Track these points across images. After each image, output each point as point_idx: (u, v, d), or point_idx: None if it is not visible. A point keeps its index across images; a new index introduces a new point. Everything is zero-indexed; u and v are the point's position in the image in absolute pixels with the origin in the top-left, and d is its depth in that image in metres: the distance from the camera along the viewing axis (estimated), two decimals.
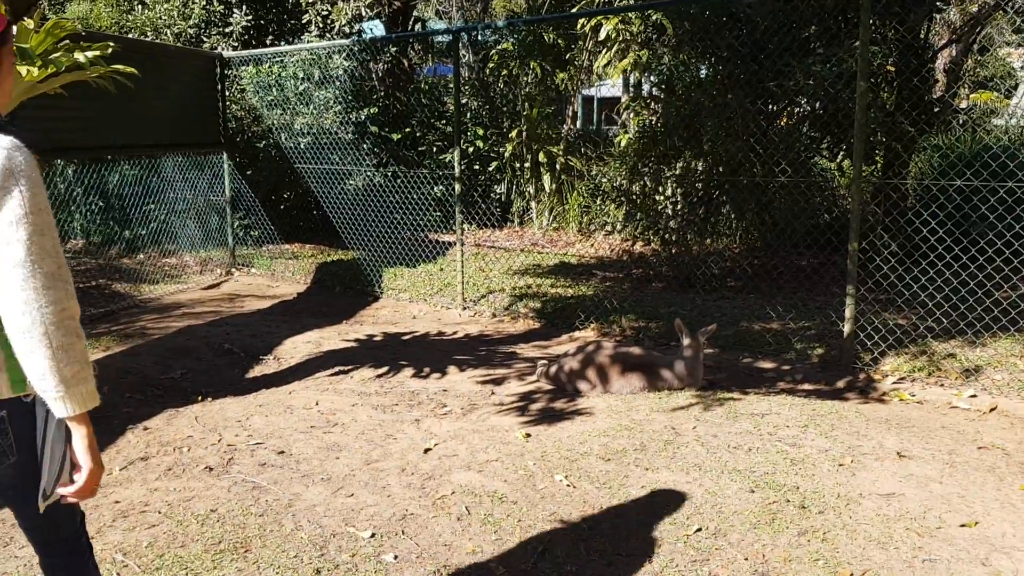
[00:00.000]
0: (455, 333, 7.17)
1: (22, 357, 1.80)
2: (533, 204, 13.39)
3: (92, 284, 8.99)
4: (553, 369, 5.50)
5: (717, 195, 9.15)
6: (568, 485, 3.85)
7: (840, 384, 5.66)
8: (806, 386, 5.64)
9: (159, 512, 3.62)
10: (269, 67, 11.68)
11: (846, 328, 5.89)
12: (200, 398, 5.26)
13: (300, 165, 10.55)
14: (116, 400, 5.16)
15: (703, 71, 8.90)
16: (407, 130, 13.19)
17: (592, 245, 11.20)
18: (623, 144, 9.87)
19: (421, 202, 13.16)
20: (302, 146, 11.26)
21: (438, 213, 13.24)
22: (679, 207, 9.27)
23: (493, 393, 5.39)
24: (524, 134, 12.93)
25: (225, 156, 9.84)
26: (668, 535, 3.37)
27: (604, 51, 10.12)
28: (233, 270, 10.03)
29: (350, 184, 12.16)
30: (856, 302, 5.84)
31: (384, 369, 5.86)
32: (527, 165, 13.13)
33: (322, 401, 5.14)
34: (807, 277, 8.25)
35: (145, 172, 11.22)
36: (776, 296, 7.98)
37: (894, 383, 5.61)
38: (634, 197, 9.34)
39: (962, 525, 3.41)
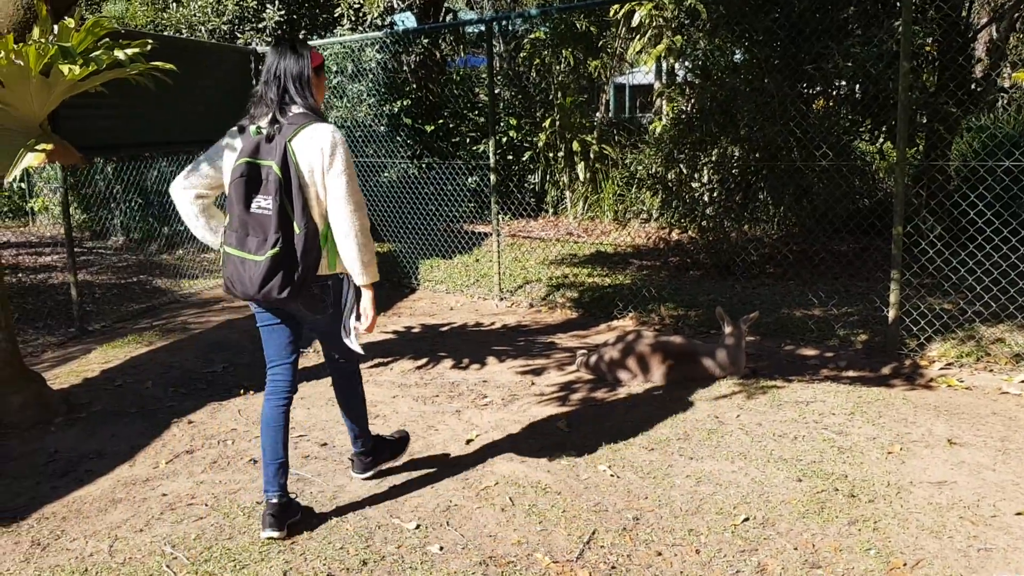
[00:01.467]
0: (492, 324, 7.16)
1: (341, 250, 3.10)
2: (567, 193, 13.34)
3: (134, 280, 9.10)
4: (593, 359, 5.47)
5: (754, 180, 9.04)
6: (612, 475, 3.83)
7: (886, 371, 5.56)
8: (850, 373, 5.55)
9: (206, 504, 3.65)
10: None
11: (891, 313, 5.78)
12: (242, 391, 5.30)
13: None
14: (160, 394, 5.22)
15: (738, 55, 8.78)
16: (440, 121, 13.18)
17: (628, 233, 11.13)
18: (658, 131, 9.78)
19: (456, 193, 13.18)
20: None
21: (472, 204, 13.26)
22: (716, 194, 9.18)
23: (533, 383, 5.36)
24: (557, 123, 12.87)
25: None
26: (715, 525, 3.34)
27: (637, 37, 10.04)
28: None
29: (384, 177, 12.20)
30: (901, 287, 5.74)
31: (423, 360, 5.86)
32: (560, 154, 13.09)
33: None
34: (849, 263, 8.13)
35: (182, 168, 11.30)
36: (817, 282, 7.87)
37: (941, 369, 5.50)
38: (670, 184, 9.25)
39: (1018, 513, 3.34)
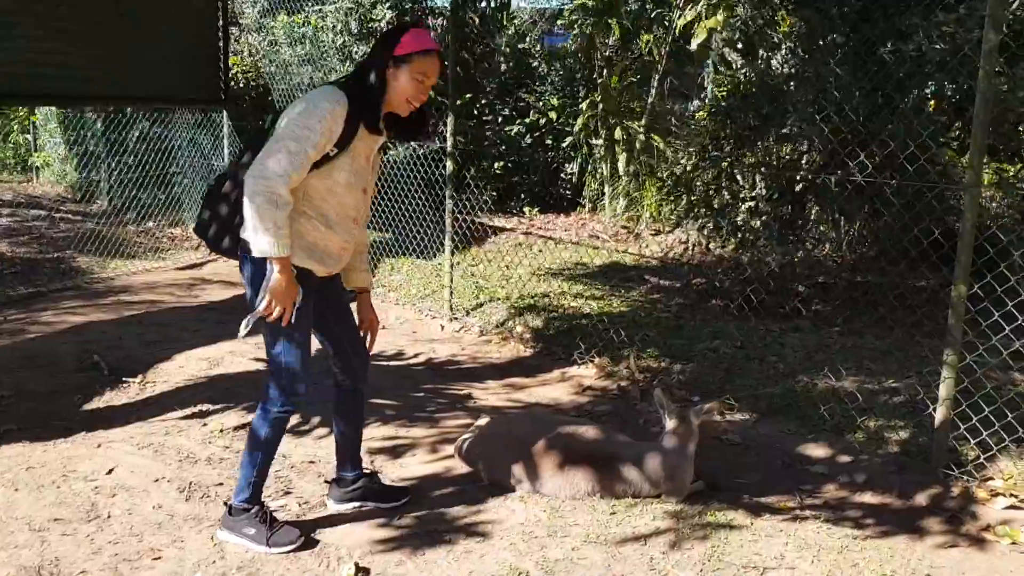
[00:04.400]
0: (416, 356, 5.47)
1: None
2: (607, 188, 11.44)
3: (56, 255, 7.77)
4: (467, 445, 3.72)
5: (804, 190, 7.02)
6: None
7: (920, 499, 3.66)
8: (866, 499, 3.67)
9: None
10: (305, 17, 10.23)
11: (939, 414, 3.84)
12: None
13: None
14: None
15: (794, 32, 6.78)
16: (467, 97, 11.43)
17: (659, 243, 9.19)
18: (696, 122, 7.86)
19: (476, 180, 11.48)
20: None
21: (494, 193, 11.53)
22: (756, 204, 7.20)
23: (378, 472, 3.66)
24: (599, 106, 10.99)
25: (225, 115, 8.40)
26: None
27: (690, 7, 8.12)
28: None
29: (389, 155, 10.60)
30: (959, 375, 3.78)
31: None
32: (601, 142, 11.21)
33: (122, 468, 3.58)
34: (924, 302, 6.04)
35: (169, 131, 10.01)
36: (873, 329, 5.89)
37: (1007, 508, 3.55)
38: (696, 186, 7.32)
39: None
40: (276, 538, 2.98)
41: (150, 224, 9.49)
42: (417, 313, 6.54)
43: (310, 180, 2.76)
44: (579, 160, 11.77)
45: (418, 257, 7.90)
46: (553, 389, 5.01)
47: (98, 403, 4.36)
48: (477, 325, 6.15)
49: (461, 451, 3.72)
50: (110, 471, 3.55)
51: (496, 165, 11.52)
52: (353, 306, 3.22)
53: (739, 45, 6.97)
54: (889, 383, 4.91)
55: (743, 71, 7.27)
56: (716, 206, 7.19)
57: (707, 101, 8.91)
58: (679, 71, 10.98)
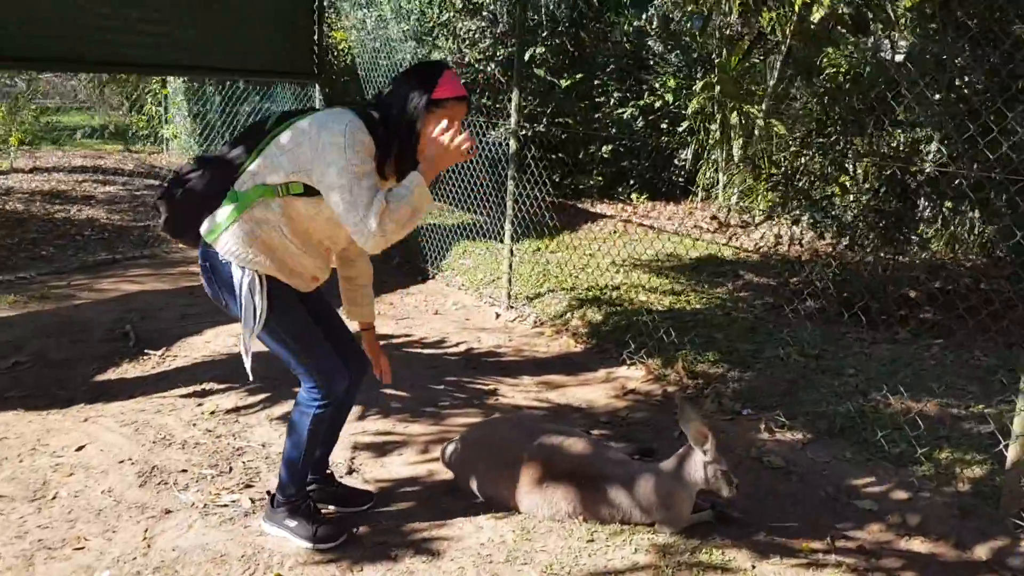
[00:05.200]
0: (456, 345, 5.16)
1: None
2: (721, 176, 10.76)
3: (142, 225, 7.92)
4: (450, 451, 3.37)
5: (922, 183, 6.24)
6: None
7: (979, 552, 3.07)
8: (915, 544, 3.11)
9: None
10: None
11: (1011, 452, 3.20)
12: None
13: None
14: None
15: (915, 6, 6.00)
16: (579, 76, 10.98)
17: (762, 237, 8.50)
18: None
19: (583, 164, 11.05)
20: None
21: (600, 178, 11.07)
22: (864, 197, 6.47)
23: (351, 471, 3.38)
24: (716, 88, 10.33)
25: (318, 90, 8.32)
26: None
27: None
28: None
29: (490, 136, 10.31)
30: None
31: (261, 398, 4.02)
32: (715, 127, 10.56)
33: (93, 445, 3.47)
34: None
35: (278, 105, 10.12)
36: (984, 344, 5.15)
37: None
38: (800, 174, 6.66)
39: None
40: (322, 533, 2.80)
41: None
42: (477, 300, 6.22)
43: (297, 202, 2.55)
44: (694, 146, 11.13)
45: (498, 241, 7.54)
46: (592, 390, 4.59)
47: (111, 374, 4.28)
48: (533, 315, 5.77)
49: (445, 456, 3.37)
50: (80, 448, 3.43)
51: (604, 149, 11.04)
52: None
53: (850, 21, 6.22)
54: (978, 409, 4.21)
55: (853, 50, 6.52)
56: (818, 197, 6.51)
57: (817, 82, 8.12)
58: (801, 51, 10.14)
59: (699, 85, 10.15)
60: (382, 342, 5.01)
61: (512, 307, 5.94)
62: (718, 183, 10.99)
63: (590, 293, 6.11)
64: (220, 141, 10.92)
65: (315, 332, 2.70)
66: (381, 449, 3.61)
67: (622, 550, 2.90)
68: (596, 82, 11.36)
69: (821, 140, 6.62)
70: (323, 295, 2.92)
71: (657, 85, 11.14)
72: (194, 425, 3.70)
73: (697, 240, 8.45)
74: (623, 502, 3.01)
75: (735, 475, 3.01)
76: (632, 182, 11.17)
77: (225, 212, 2.56)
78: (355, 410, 3.95)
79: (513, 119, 5.75)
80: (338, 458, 3.47)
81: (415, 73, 2.63)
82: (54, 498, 3.04)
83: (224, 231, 2.55)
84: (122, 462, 3.33)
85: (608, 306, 5.83)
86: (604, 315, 5.61)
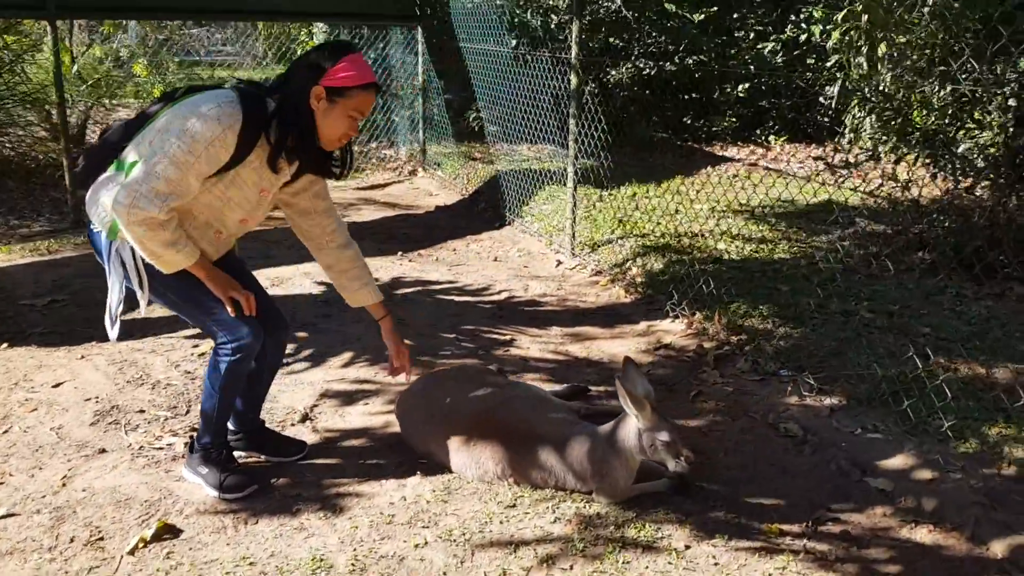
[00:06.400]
0: (498, 292, 4.94)
1: None
2: (867, 117, 9.74)
3: None
4: (398, 403, 3.17)
5: None
6: None
7: (996, 549, 2.57)
8: (920, 534, 2.70)
9: None
10: None
11: None
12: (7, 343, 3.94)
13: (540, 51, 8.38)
14: None
15: None
16: (714, 9, 10.25)
17: (884, 178, 7.60)
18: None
19: (717, 104, 10.34)
20: (552, 24, 9.19)
21: (734, 120, 10.34)
22: (998, 133, 5.60)
23: (306, 419, 3.26)
24: (863, 17, 9.31)
25: (420, 32, 8.21)
26: None
27: None
28: (420, 169, 8.53)
29: (613, 75, 9.82)
30: None
31: None
32: (861, 60, 9.53)
33: (71, 383, 3.57)
34: None
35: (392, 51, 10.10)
36: None
37: None
38: (917, 106, 5.86)
39: None
40: (229, 482, 2.70)
41: (372, 144, 9.65)
42: (547, 245, 5.92)
43: None
44: (840, 83, 10.12)
45: (596, 187, 7.14)
46: (622, 343, 4.23)
47: (137, 314, 4.35)
48: (593, 264, 5.41)
49: (397, 408, 3.17)
50: (57, 385, 3.51)
51: (740, 88, 10.30)
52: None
53: None
54: None
55: None
56: (939, 133, 5.70)
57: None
58: None
59: (841, 14, 9.16)
60: (425, 288, 4.90)
61: (576, 255, 5.61)
62: (864, 123, 9.97)
63: (663, 241, 5.65)
64: None
65: (202, 290, 2.53)
66: (349, 398, 3.46)
67: (541, 519, 2.60)
68: (735, 15, 10.56)
69: (944, 68, 5.77)
70: (233, 256, 2.78)
71: (801, 16, 10.21)
72: (177, 367, 3.70)
73: (823, 185, 7.70)
74: (555, 466, 2.70)
75: (683, 446, 2.61)
76: (772, 123, 10.38)
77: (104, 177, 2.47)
78: (343, 357, 3.84)
79: (573, 51, 5.35)
80: (299, 405, 3.37)
81: (308, 58, 2.43)
82: (4, 432, 3.11)
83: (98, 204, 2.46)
84: (88, 400, 3.37)
85: (676, 254, 5.37)
86: (665, 264, 5.17)
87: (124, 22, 11.10)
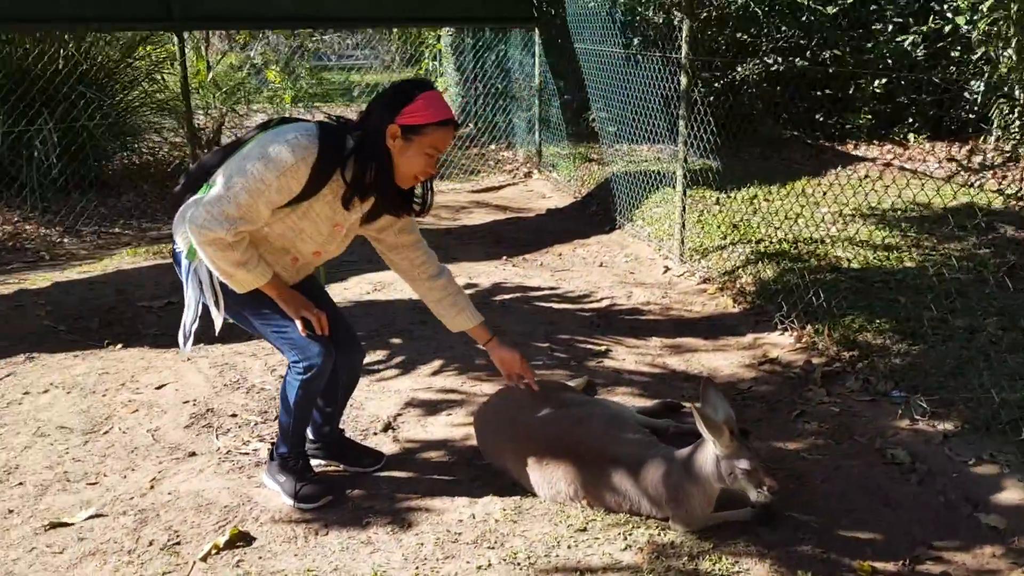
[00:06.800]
0: (599, 300, 4.85)
1: None
2: (1016, 114, 9.07)
3: None
4: (476, 416, 3.13)
5: None
6: None
7: None
8: None
9: None
10: None
11: None
12: (120, 344, 4.15)
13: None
14: (45, 325, 4.34)
15: None
16: (849, 1, 9.75)
17: None
18: None
19: (852, 100, 9.84)
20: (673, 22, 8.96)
21: (870, 117, 9.81)
22: None
23: (388, 428, 3.27)
24: (1013, 6, 8.70)
25: (537, 35, 8.18)
26: None
27: None
28: (535, 171, 8.50)
29: (742, 70, 9.48)
30: None
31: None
32: (1010, 52, 8.90)
33: (173, 384, 3.73)
34: None
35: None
36: None
37: None
38: None
39: None
40: (304, 492, 2.76)
41: (492, 146, 9.70)
42: (653, 252, 5.77)
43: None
44: (987, 77, 9.46)
45: (713, 189, 6.90)
46: (724, 357, 4.06)
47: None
48: (702, 271, 5.23)
49: (475, 420, 3.13)
50: (161, 386, 3.64)
51: (877, 84, 9.78)
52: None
53: None
54: None
55: None
56: None
57: None
58: None
59: (987, 4, 8.54)
60: (525, 294, 4.86)
61: (684, 261, 5.43)
62: (1015, 120, 9.27)
63: (779, 247, 5.40)
64: (473, 92, 11.12)
65: (275, 310, 2.58)
66: (433, 407, 3.44)
67: (611, 545, 2.49)
68: (872, 7, 10.02)
69: None
70: (313, 279, 2.85)
71: (945, 7, 9.58)
72: (273, 371, 3.78)
73: (963, 186, 7.20)
74: (629, 490, 2.59)
75: (765, 474, 2.45)
76: (912, 120, 9.80)
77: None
78: (433, 365, 3.84)
79: (683, 51, 5.17)
80: (384, 413, 3.38)
81: (385, 96, 2.44)
82: (105, 433, 3.25)
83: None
84: (186, 402, 3.48)
85: (791, 262, 5.11)
86: (778, 272, 4.93)
87: (261, 31, 11.55)
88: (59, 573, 2.42)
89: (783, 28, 9.49)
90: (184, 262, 2.59)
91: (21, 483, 2.90)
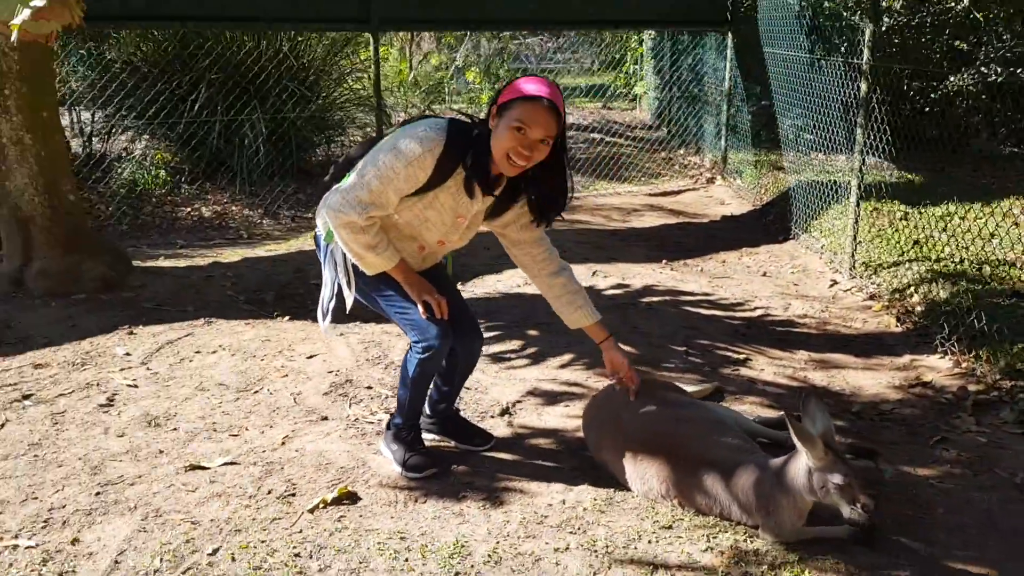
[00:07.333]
0: (753, 309, 4.74)
1: None
2: None
3: None
4: (584, 409, 3.18)
5: None
6: None
7: None
8: None
9: None
10: None
11: None
12: (289, 316, 4.55)
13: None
14: (223, 300, 4.82)
15: None
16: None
17: None
18: None
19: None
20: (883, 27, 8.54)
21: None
22: None
23: (505, 413, 3.39)
24: None
25: (730, 37, 8.06)
26: None
27: None
28: (718, 177, 8.36)
29: (950, 84, 8.83)
30: None
31: (495, 335, 4.18)
32: None
33: (323, 355, 3.98)
34: None
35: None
36: None
37: None
38: None
39: None
40: (412, 462, 2.97)
41: (680, 151, 9.63)
42: (824, 264, 5.54)
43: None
44: None
45: (903, 203, 6.53)
46: (872, 376, 3.87)
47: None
48: (871, 287, 4.97)
49: (583, 413, 3.18)
50: (312, 356, 3.93)
51: None
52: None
53: None
54: None
55: None
56: None
57: None
58: None
59: None
60: (675, 298, 4.83)
61: (854, 276, 5.18)
62: None
63: (960, 267, 5.03)
64: (670, 95, 11.04)
65: (400, 292, 2.75)
66: (553, 398, 3.52)
67: (693, 545, 2.47)
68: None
69: None
70: (439, 268, 3.01)
71: None
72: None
73: None
74: (720, 494, 2.55)
75: (860, 491, 2.35)
76: None
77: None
78: (562, 358, 3.91)
79: (864, 56, 4.94)
80: (504, 399, 3.49)
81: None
82: (255, 393, 3.56)
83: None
84: (330, 372, 3.75)
85: (969, 283, 4.76)
86: (952, 293, 4.60)
87: (467, 33, 12.03)
88: (187, 508, 2.70)
89: (1004, 36, 8.75)
90: (323, 244, 2.83)
91: (175, 429, 3.25)
